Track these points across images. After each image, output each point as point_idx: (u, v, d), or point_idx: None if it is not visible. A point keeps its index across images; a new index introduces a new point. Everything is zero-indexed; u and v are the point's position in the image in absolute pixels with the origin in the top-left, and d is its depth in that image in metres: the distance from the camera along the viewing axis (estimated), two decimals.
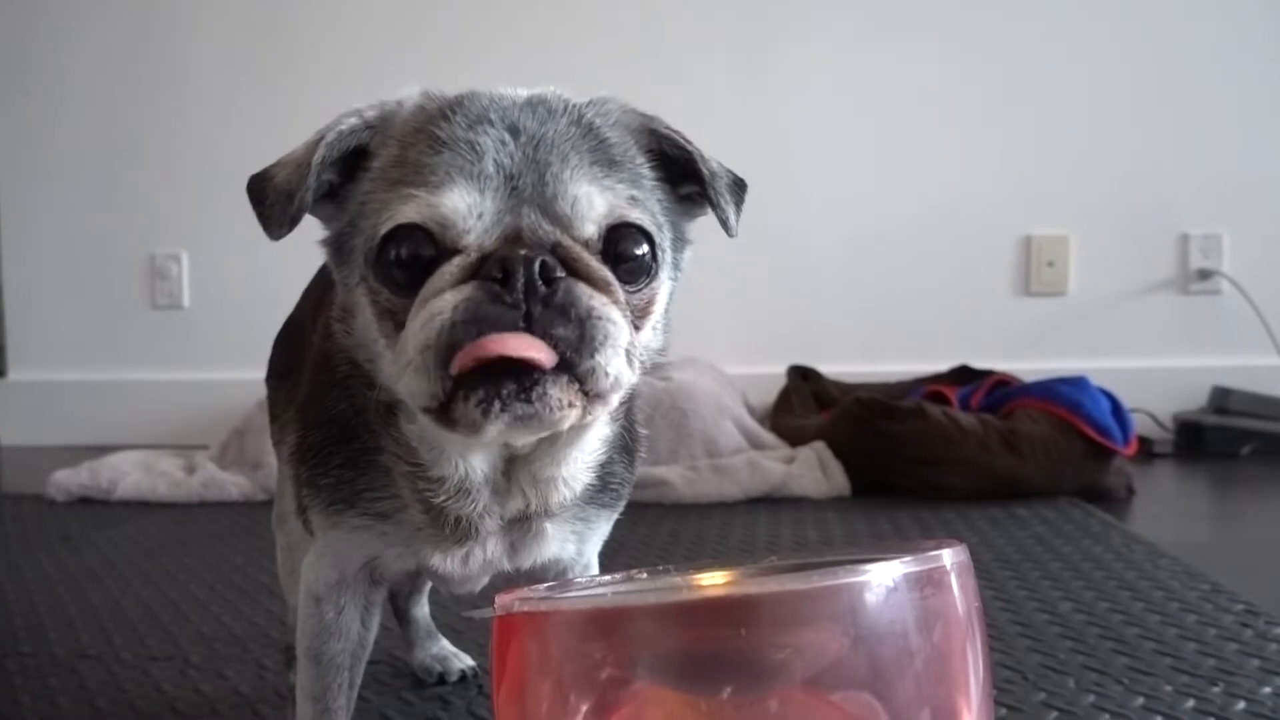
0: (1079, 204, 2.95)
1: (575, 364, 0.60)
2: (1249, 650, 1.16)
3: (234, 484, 2.16)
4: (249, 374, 3.10)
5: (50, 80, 3.18)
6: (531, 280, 0.60)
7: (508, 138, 0.65)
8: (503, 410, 0.59)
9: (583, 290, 0.62)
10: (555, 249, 0.63)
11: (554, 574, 0.76)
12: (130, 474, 2.20)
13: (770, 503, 2.08)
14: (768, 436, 2.35)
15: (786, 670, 0.50)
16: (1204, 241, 2.93)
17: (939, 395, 2.27)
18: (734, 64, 3.02)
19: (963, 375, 2.74)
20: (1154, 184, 2.93)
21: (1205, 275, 2.92)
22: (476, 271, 0.61)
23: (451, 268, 0.62)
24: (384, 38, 3.07)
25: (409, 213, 0.63)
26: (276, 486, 1.04)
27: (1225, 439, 2.63)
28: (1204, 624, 1.25)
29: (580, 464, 0.71)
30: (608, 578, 0.68)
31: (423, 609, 1.16)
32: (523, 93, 0.70)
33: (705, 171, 0.71)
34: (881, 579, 0.53)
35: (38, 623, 1.39)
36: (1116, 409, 2.16)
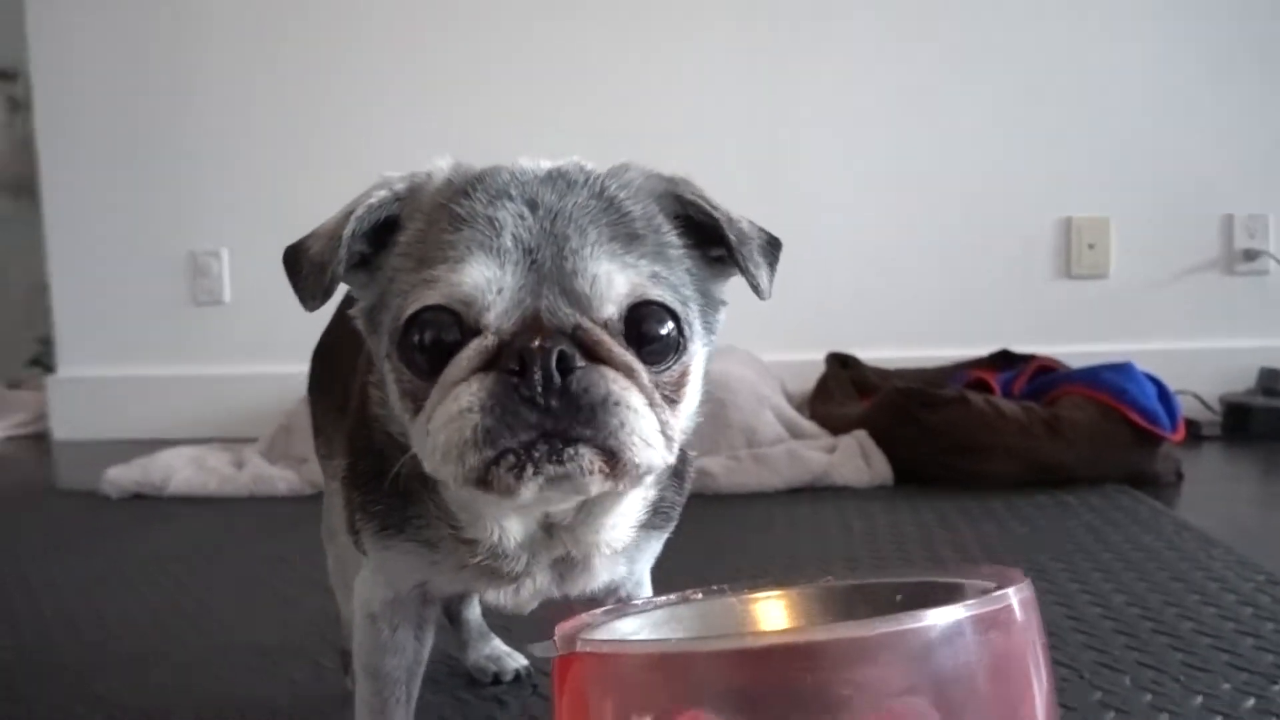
0: (1120, 185, 2.90)
1: (600, 442, 0.61)
2: None
3: (281, 479, 2.19)
4: (289, 368, 3.12)
5: (91, 78, 3.22)
6: (548, 373, 0.59)
7: (526, 212, 0.64)
8: (535, 473, 0.60)
9: (602, 378, 0.61)
10: (575, 331, 0.62)
11: (606, 593, 0.77)
12: (181, 470, 2.24)
13: (812, 492, 2.07)
14: (808, 425, 2.34)
15: (850, 706, 0.50)
16: (1249, 222, 2.87)
17: (981, 383, 2.25)
18: (763, 39, 2.98)
19: (1004, 360, 2.71)
20: (1197, 164, 2.87)
21: (1251, 256, 2.87)
22: (495, 359, 0.61)
23: (470, 353, 0.62)
24: (432, 36, 3.07)
25: (431, 296, 0.63)
26: (324, 500, 1.06)
27: (1274, 420, 2.59)
28: (1260, 618, 1.24)
29: (621, 528, 0.72)
30: (663, 599, 0.68)
31: (474, 610, 1.18)
32: (545, 165, 0.69)
33: (732, 237, 0.69)
34: (947, 623, 0.53)
35: (98, 621, 1.43)
36: (1163, 394, 2.13)
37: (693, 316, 0.67)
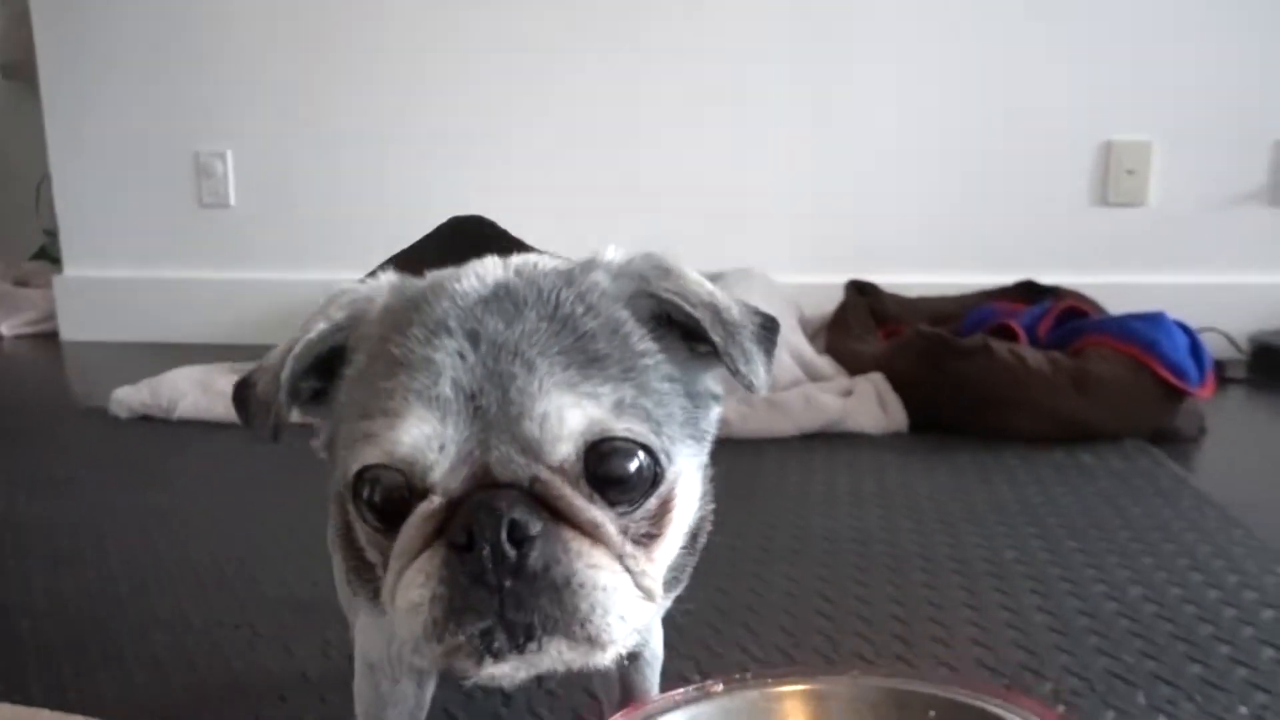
0: (1164, 107, 2.74)
1: (565, 628, 0.54)
2: None
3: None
4: (297, 274, 3.12)
5: None
6: (499, 550, 0.53)
7: (467, 348, 0.56)
8: (496, 660, 0.55)
9: (565, 550, 0.54)
10: (533, 485, 0.55)
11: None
12: (189, 394, 2.23)
13: (826, 439, 2.04)
14: (824, 365, 2.29)
15: None
16: None
17: (1005, 329, 2.18)
18: None
19: (1028, 291, 2.64)
20: (1247, 86, 2.70)
21: None
22: (445, 524, 0.55)
23: (417, 521, 0.56)
24: None
25: (372, 454, 0.56)
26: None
27: None
28: None
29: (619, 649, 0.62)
30: (680, 694, 0.65)
31: None
32: (490, 280, 0.60)
33: (717, 338, 0.59)
34: None
35: (110, 576, 1.43)
36: (1194, 346, 2.06)
37: (672, 438, 0.58)
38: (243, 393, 0.64)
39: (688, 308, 0.60)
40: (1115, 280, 2.69)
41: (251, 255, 3.15)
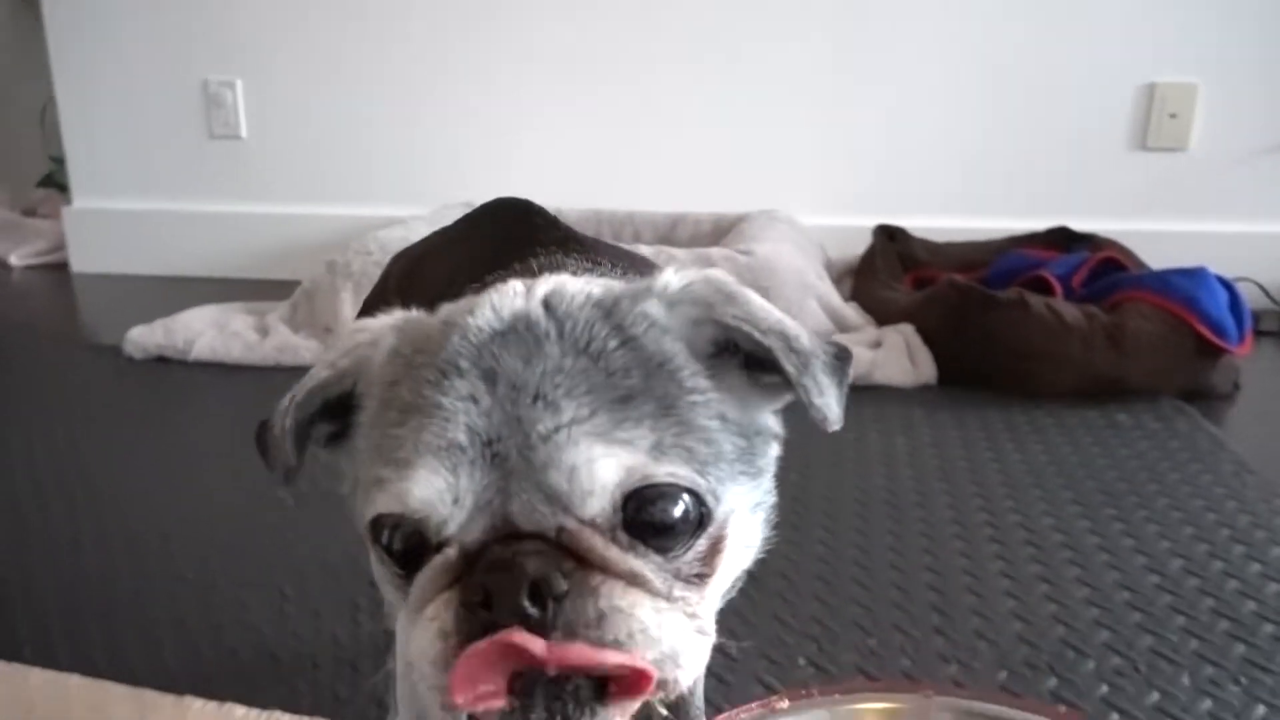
0: (1212, 48, 2.62)
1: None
2: None
3: (306, 348, 2.14)
4: (309, 208, 3.05)
5: None
6: (519, 611, 0.48)
7: (481, 390, 0.51)
8: None
9: (594, 601, 0.49)
10: (560, 535, 0.50)
11: None
12: (204, 334, 2.19)
13: (853, 392, 1.96)
14: (852, 315, 2.24)
15: None
16: None
17: (1040, 281, 2.12)
18: None
19: (1061, 238, 2.57)
20: None
21: None
22: (462, 576, 0.50)
23: (431, 574, 0.51)
24: None
25: (385, 503, 0.52)
26: None
27: None
28: None
29: None
30: (744, 712, 0.62)
31: None
32: (505, 315, 0.54)
33: (790, 369, 0.54)
34: None
35: (133, 532, 1.41)
36: (1234, 301, 2.00)
37: (720, 477, 0.53)
38: (262, 435, 0.61)
39: (757, 335, 0.54)
40: (1150, 228, 2.61)
41: (264, 188, 3.08)
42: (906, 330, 2.10)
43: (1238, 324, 1.97)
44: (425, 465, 0.51)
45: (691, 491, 0.51)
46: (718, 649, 1.04)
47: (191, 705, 1.01)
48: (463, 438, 0.50)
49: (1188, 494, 1.50)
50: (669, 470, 0.50)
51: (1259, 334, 2.47)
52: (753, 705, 0.62)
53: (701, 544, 0.53)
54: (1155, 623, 1.15)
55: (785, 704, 0.61)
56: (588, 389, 0.51)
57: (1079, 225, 2.57)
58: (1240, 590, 1.22)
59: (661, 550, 0.51)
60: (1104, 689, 1.03)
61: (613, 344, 0.53)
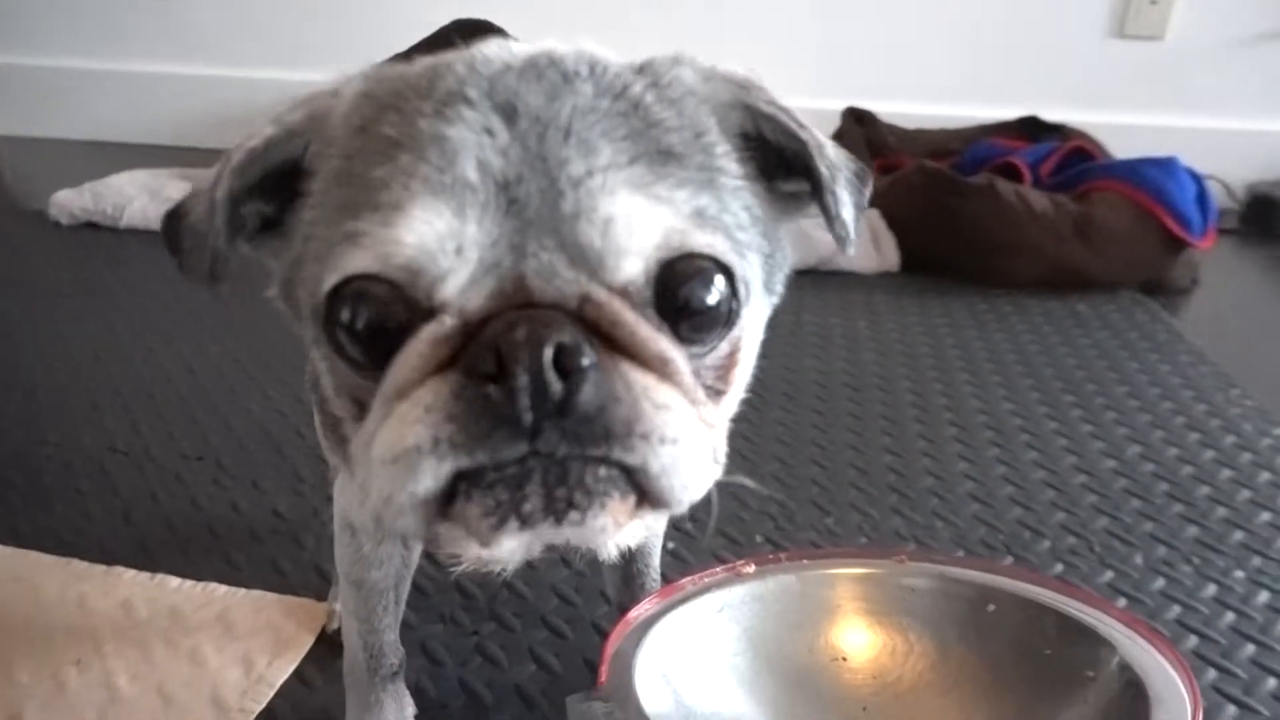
0: None
1: (626, 487, 0.42)
2: None
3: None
4: (257, 71, 2.86)
5: None
6: (540, 381, 0.39)
7: (497, 124, 0.42)
8: (523, 527, 0.41)
9: (623, 385, 0.41)
10: (582, 307, 0.41)
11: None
12: (135, 199, 2.06)
13: (815, 277, 1.96)
14: None
15: None
16: None
17: (1009, 168, 2.07)
18: None
19: (1031, 128, 2.51)
20: None
21: None
22: (459, 353, 0.41)
23: (421, 347, 0.41)
24: None
25: (358, 260, 0.42)
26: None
27: None
28: (1276, 486, 1.20)
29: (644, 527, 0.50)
30: (710, 577, 0.59)
31: None
32: (522, 51, 0.46)
33: (823, 171, 0.49)
34: None
35: (62, 402, 1.34)
36: (1201, 195, 1.98)
37: (752, 272, 0.47)
38: (173, 225, 0.49)
39: (793, 127, 0.48)
40: (1122, 120, 2.56)
41: (205, 48, 2.87)
42: (872, 215, 2.04)
43: (1203, 217, 1.96)
44: (423, 204, 0.41)
45: (728, 274, 0.44)
46: (674, 525, 1.00)
47: (123, 575, 0.96)
48: (472, 174, 0.41)
49: (1145, 383, 1.50)
50: (709, 241, 0.43)
51: (1219, 231, 2.47)
52: (717, 570, 0.59)
53: (724, 347, 0.46)
54: (1111, 505, 1.15)
55: (752, 568, 0.58)
56: (626, 134, 0.43)
57: (1050, 115, 2.51)
58: (1194, 475, 1.22)
59: (688, 342, 0.44)
60: (1059, 567, 1.03)
61: (650, 98, 0.45)
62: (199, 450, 1.21)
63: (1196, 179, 1.99)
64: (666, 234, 0.42)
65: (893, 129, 2.57)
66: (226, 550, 1.01)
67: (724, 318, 0.45)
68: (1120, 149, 2.26)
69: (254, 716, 0.79)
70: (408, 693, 0.76)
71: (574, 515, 0.41)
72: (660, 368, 0.42)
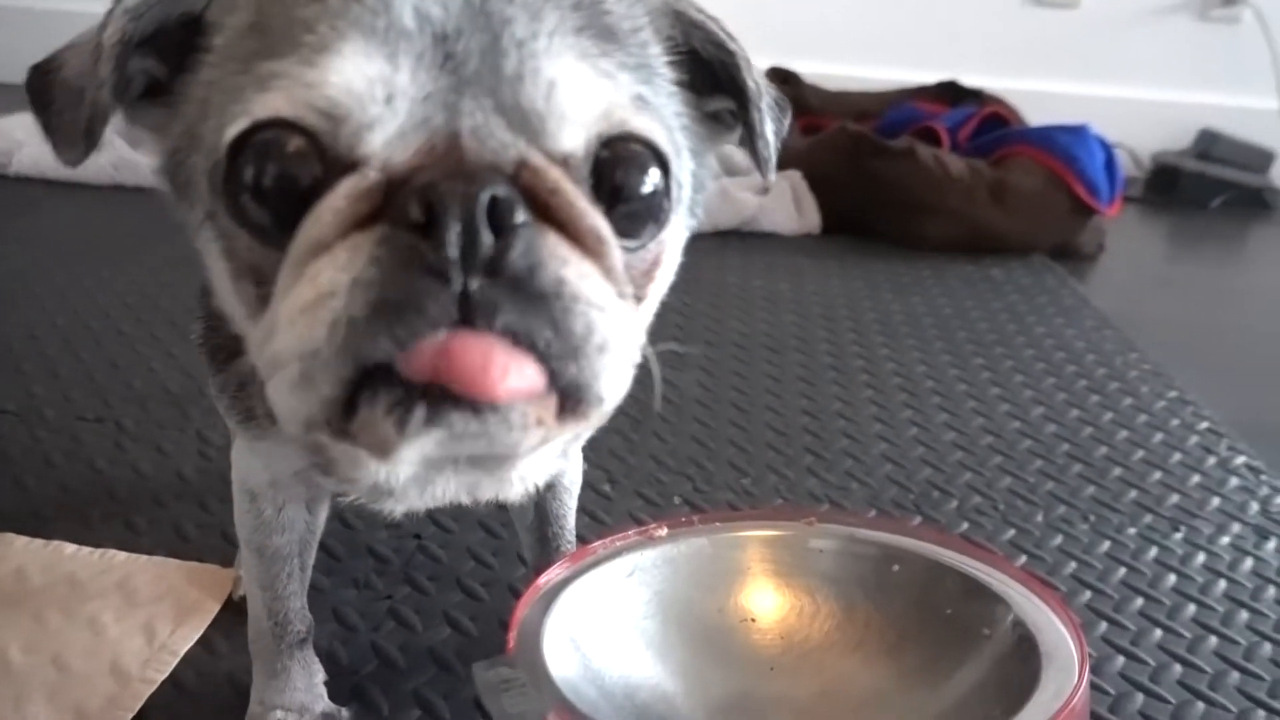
0: None
1: (557, 378, 0.38)
2: (1210, 485, 1.17)
3: (149, 166, 1.93)
4: None
5: None
6: (473, 231, 0.36)
7: None
8: (430, 424, 0.37)
9: (549, 252, 0.38)
10: (519, 172, 0.39)
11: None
12: (27, 145, 1.94)
13: (739, 238, 1.97)
14: (740, 156, 2.18)
15: None
16: None
17: (929, 132, 2.10)
18: None
19: (950, 92, 2.55)
20: None
21: (1229, 1, 2.67)
22: (383, 207, 0.38)
23: (338, 201, 0.38)
24: None
25: (271, 103, 0.38)
26: None
27: (1200, 188, 2.57)
28: (1169, 446, 1.25)
29: (554, 455, 0.50)
30: (623, 540, 0.59)
31: None
32: None
33: (750, 84, 0.49)
34: None
35: None
36: (1110, 163, 2.04)
37: (684, 175, 0.46)
38: (42, 80, 0.44)
39: (723, 38, 0.48)
40: (1037, 87, 2.62)
41: None
42: (794, 177, 2.06)
43: (1110, 186, 2.02)
44: (352, 45, 0.38)
45: (664, 166, 0.43)
46: (591, 487, 1.00)
47: (14, 542, 0.92)
48: (409, 21, 0.39)
49: (1051, 346, 1.55)
50: (649, 125, 0.42)
51: (1125, 199, 2.56)
52: (630, 533, 0.59)
53: (651, 249, 0.45)
54: (1015, 465, 1.19)
55: (664, 531, 0.59)
56: (572, 5, 0.42)
57: (969, 80, 2.55)
58: (1093, 436, 1.27)
59: (620, 234, 0.42)
60: (964, 526, 1.06)
61: None
62: (98, 411, 1.16)
63: (1106, 147, 2.05)
64: (609, 108, 0.41)
65: (816, 90, 2.58)
66: (127, 515, 0.98)
67: (656, 213, 0.44)
68: (1035, 115, 2.32)
69: (157, 686, 0.77)
70: (316, 659, 0.75)
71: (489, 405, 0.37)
72: (595, 246, 0.40)
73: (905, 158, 1.94)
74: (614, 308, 0.40)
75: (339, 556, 0.94)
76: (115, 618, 0.83)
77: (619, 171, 0.42)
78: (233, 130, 0.39)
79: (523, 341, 0.37)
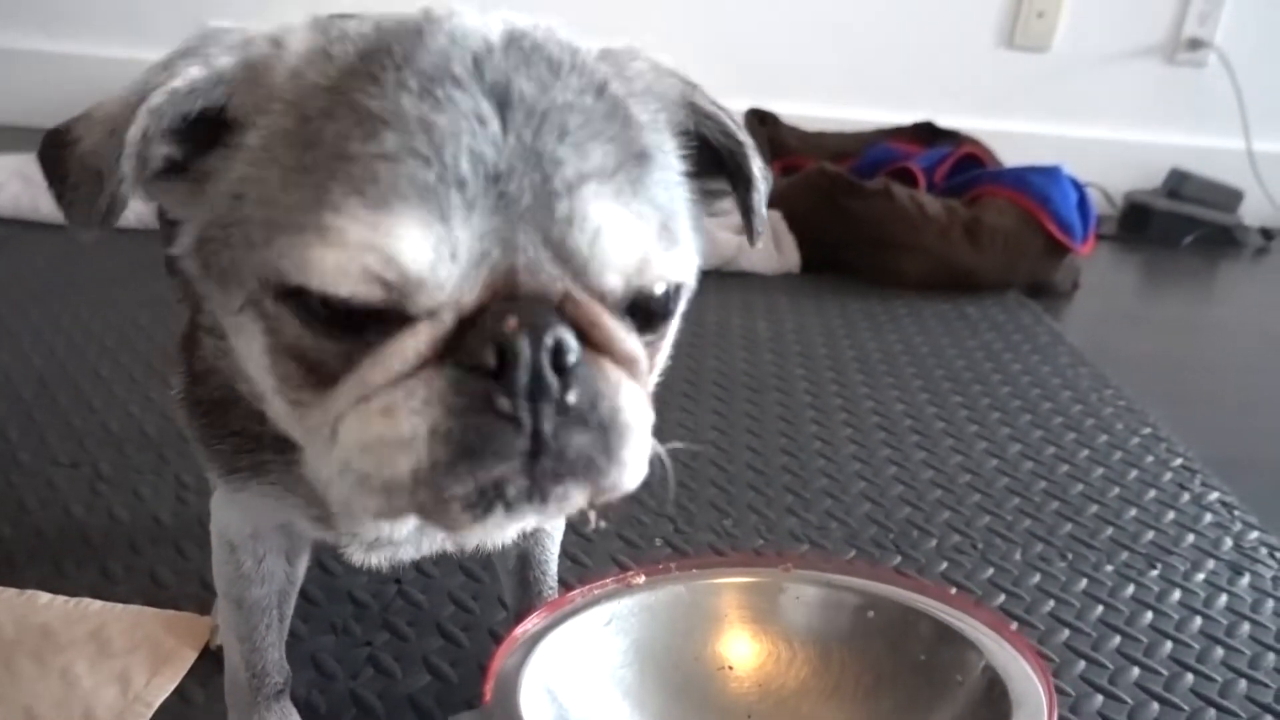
0: None
1: (598, 477, 0.44)
2: (1185, 522, 1.18)
3: (130, 210, 1.93)
4: (145, 51, 2.73)
5: None
6: (540, 375, 0.41)
7: (488, 110, 0.41)
8: (508, 514, 0.42)
9: (603, 378, 0.43)
10: (563, 304, 0.42)
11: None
12: (6, 185, 1.95)
13: (717, 277, 1.98)
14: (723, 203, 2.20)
15: None
16: (1203, 6, 2.71)
17: (905, 172, 2.13)
18: None
19: (927, 133, 2.59)
20: None
21: (1195, 45, 2.74)
22: (452, 346, 0.41)
23: (420, 342, 0.41)
24: None
25: (338, 262, 0.40)
26: None
27: (1171, 226, 2.61)
28: (1144, 483, 1.27)
29: None
30: (600, 589, 0.59)
31: None
32: (498, 27, 0.45)
33: (756, 173, 0.53)
34: None
35: None
36: (1082, 202, 2.08)
37: (693, 265, 0.50)
38: (56, 151, 0.45)
39: (733, 129, 0.52)
40: (1011, 128, 2.67)
41: (87, 24, 2.73)
42: (773, 216, 2.08)
43: (1083, 224, 2.06)
44: (414, 208, 0.39)
45: (678, 285, 0.48)
46: (571, 528, 1.00)
47: None
48: (465, 168, 0.40)
49: (1027, 383, 1.57)
50: (671, 262, 0.45)
51: (1099, 237, 2.60)
52: (608, 580, 0.59)
53: (661, 341, 0.50)
54: (993, 503, 1.20)
55: (641, 579, 0.59)
56: (610, 137, 0.44)
57: (945, 121, 2.60)
58: (1069, 474, 1.28)
59: (642, 331, 0.47)
60: (944, 565, 1.07)
61: (623, 93, 0.46)
62: (74, 456, 1.15)
63: (1078, 187, 2.09)
64: (643, 260, 0.44)
65: (794, 130, 2.62)
66: (103, 561, 0.97)
67: (668, 315, 0.49)
68: (1010, 155, 2.36)
69: None
70: (294, 709, 0.74)
71: (558, 491, 0.43)
72: (629, 366, 0.45)
73: (882, 197, 1.97)
74: (643, 410, 0.45)
75: (317, 602, 0.93)
76: (89, 668, 0.83)
77: (647, 301, 0.46)
78: (301, 279, 0.41)
79: (581, 470, 0.43)
